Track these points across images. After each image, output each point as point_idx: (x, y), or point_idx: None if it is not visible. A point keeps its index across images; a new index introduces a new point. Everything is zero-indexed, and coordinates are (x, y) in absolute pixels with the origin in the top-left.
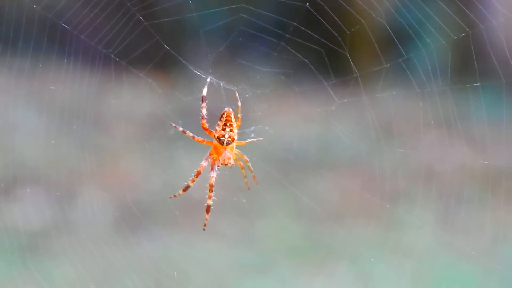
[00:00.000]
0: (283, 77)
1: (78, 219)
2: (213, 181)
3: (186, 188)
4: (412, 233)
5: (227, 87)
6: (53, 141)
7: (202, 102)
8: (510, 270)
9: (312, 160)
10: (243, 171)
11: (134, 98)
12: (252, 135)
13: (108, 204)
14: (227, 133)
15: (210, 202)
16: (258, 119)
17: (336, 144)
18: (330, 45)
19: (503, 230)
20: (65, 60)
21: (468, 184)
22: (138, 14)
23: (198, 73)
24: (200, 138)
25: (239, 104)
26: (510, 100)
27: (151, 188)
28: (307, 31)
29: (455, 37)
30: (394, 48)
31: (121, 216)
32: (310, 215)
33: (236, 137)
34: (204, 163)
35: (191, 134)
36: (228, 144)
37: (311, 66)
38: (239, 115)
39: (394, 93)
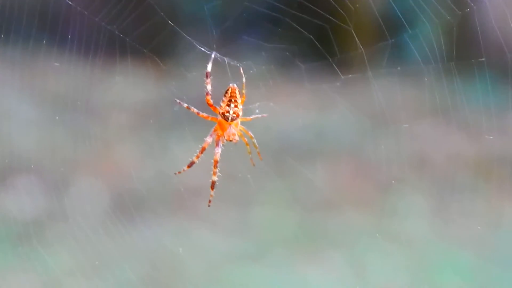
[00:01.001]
0: (287, 53)
1: (72, 208)
2: (218, 157)
3: (191, 164)
4: (407, 220)
5: (232, 63)
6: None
7: (207, 78)
8: (503, 257)
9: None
10: (247, 147)
11: (138, 75)
12: (257, 111)
13: (102, 192)
14: (231, 109)
15: (215, 178)
16: (263, 95)
17: (336, 125)
18: (335, 21)
19: (499, 218)
20: (69, 36)
21: (464, 172)
22: None
23: (203, 49)
24: (204, 114)
25: (244, 80)
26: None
27: (147, 176)
28: (312, 7)
29: (460, 12)
30: (398, 24)
31: (115, 205)
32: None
33: (241, 113)
34: (209, 139)
35: (195, 110)
36: (232, 120)
37: (316, 42)
38: (243, 91)
39: (398, 68)
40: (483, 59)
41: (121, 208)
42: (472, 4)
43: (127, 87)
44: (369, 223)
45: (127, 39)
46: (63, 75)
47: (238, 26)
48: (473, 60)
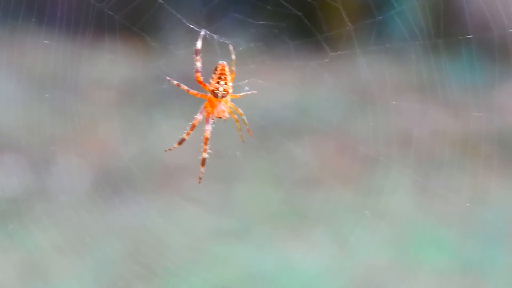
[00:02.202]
0: (276, 30)
1: (56, 186)
2: (208, 134)
3: (181, 141)
4: (392, 197)
5: (221, 40)
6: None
7: (196, 55)
8: (488, 234)
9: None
10: (237, 124)
11: (127, 53)
12: (246, 88)
13: (87, 170)
14: (221, 86)
15: (205, 155)
16: (252, 72)
17: (319, 103)
18: None
19: (481, 194)
20: (58, 14)
21: (446, 149)
22: None
23: (192, 27)
24: (194, 91)
25: (233, 57)
26: (486, 65)
27: (130, 154)
28: None
29: None
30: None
31: (100, 182)
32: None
33: (230, 90)
34: (199, 116)
35: (185, 87)
36: (222, 97)
37: (305, 20)
38: (233, 68)
39: (387, 45)
40: (470, 36)
41: (105, 185)
42: None
43: (114, 65)
44: (354, 199)
45: (116, 16)
46: (49, 53)
47: (226, 3)
48: (460, 37)
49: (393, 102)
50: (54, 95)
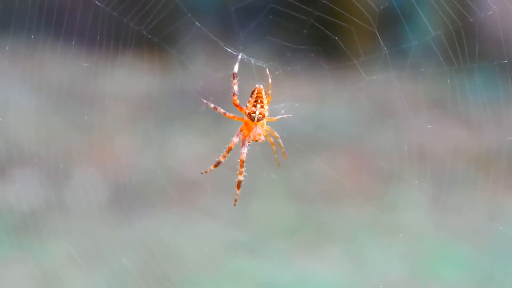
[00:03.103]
0: (312, 55)
1: (71, 199)
2: (244, 156)
3: (217, 164)
4: (406, 213)
5: (258, 64)
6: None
7: (234, 79)
8: (501, 249)
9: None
10: (273, 147)
11: (165, 74)
12: (282, 111)
13: (101, 183)
14: (258, 109)
15: (241, 177)
16: (288, 96)
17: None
18: (359, 22)
19: (497, 210)
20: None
21: (462, 165)
22: None
23: (229, 50)
24: (231, 114)
25: (270, 81)
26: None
27: (146, 168)
28: (336, 8)
29: (483, 15)
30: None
31: (115, 196)
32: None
33: (266, 114)
34: (235, 139)
35: (222, 110)
36: (258, 120)
37: (340, 44)
38: (269, 92)
39: (422, 70)
40: (505, 61)
41: (121, 198)
42: (495, 7)
43: (131, 79)
44: (369, 215)
45: (155, 40)
46: (61, 66)
47: (264, 27)
48: (495, 63)
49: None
50: (71, 108)
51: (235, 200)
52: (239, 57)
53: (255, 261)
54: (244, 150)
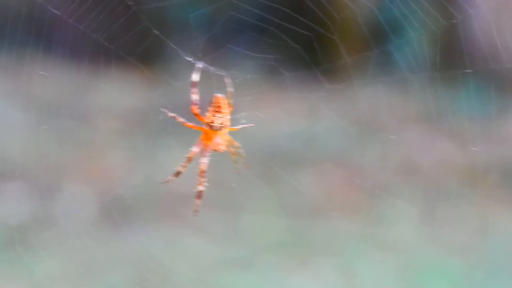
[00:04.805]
0: (273, 63)
1: (58, 214)
2: (204, 167)
3: (177, 174)
4: (395, 227)
5: (218, 72)
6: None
7: (192, 88)
8: (490, 264)
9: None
10: (233, 156)
11: (123, 82)
12: (243, 120)
13: (89, 199)
14: (218, 118)
15: (201, 188)
16: (249, 105)
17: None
18: (320, 30)
19: (486, 224)
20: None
21: (452, 179)
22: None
23: (188, 59)
24: (191, 124)
25: (230, 89)
26: (492, 94)
27: (136, 182)
28: (297, 16)
29: (445, 23)
30: (382, 34)
31: (102, 211)
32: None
33: (227, 123)
34: (195, 149)
35: (182, 120)
36: (219, 129)
37: (301, 52)
38: (231, 101)
39: (383, 78)
40: (470, 70)
41: (108, 214)
42: (457, 15)
43: (114, 95)
44: (357, 229)
45: (112, 46)
46: (49, 81)
47: (223, 35)
48: (458, 72)
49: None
50: (60, 123)
51: (196, 211)
52: (198, 65)
53: (245, 276)
54: (204, 160)
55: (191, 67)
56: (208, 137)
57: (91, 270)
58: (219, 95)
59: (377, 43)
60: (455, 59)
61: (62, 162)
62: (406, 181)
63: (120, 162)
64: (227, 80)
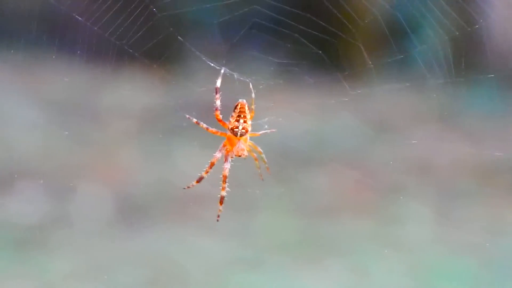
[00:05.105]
0: (296, 69)
1: (74, 213)
2: (226, 172)
3: (200, 179)
4: (408, 227)
5: (241, 78)
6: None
7: (216, 94)
8: (504, 264)
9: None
10: (256, 162)
11: (148, 89)
12: (266, 126)
13: (104, 198)
14: (241, 124)
15: (223, 193)
16: (272, 110)
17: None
18: (344, 36)
19: (498, 225)
20: (78, 52)
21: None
22: (152, 6)
23: (212, 65)
24: (214, 129)
25: (253, 95)
26: (506, 94)
27: (149, 182)
28: (321, 22)
29: (469, 29)
30: (406, 39)
31: (118, 210)
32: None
33: (249, 128)
34: (218, 154)
35: (204, 125)
36: (242, 135)
37: (325, 57)
38: (252, 106)
39: (407, 84)
40: (492, 75)
41: (121, 214)
42: (481, 21)
43: (132, 97)
44: (369, 229)
45: (136, 54)
46: (63, 81)
47: (247, 41)
48: (481, 77)
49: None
50: (74, 123)
51: (218, 216)
52: (222, 71)
53: (257, 276)
54: (227, 166)
55: (211, 72)
56: (231, 143)
57: (104, 269)
58: (243, 101)
59: (399, 47)
60: (472, 62)
61: (76, 161)
62: (419, 181)
63: (133, 161)
64: (250, 87)
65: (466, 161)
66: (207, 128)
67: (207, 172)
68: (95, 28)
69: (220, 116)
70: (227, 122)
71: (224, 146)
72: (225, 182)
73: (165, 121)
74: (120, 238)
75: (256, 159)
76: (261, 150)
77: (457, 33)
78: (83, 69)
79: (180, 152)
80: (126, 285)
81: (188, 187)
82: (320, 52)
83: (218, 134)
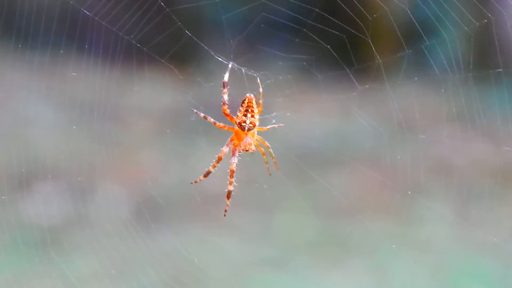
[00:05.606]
0: (305, 63)
1: (92, 214)
2: (234, 167)
3: (207, 174)
4: (429, 227)
5: (249, 73)
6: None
7: (224, 88)
8: None
9: (332, 149)
10: (264, 157)
11: (155, 84)
12: (273, 121)
13: (122, 199)
14: (248, 119)
15: (230, 187)
16: (280, 105)
17: (357, 133)
18: (352, 31)
19: None
20: (86, 47)
21: (485, 179)
22: (159, 0)
23: (220, 59)
24: (221, 124)
25: (261, 90)
26: None
27: (169, 182)
28: (329, 17)
29: (477, 23)
30: (415, 35)
31: (138, 210)
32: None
33: (257, 123)
34: (225, 149)
35: (212, 120)
36: (249, 130)
37: (333, 53)
38: (260, 101)
39: (416, 78)
40: (500, 69)
41: (141, 215)
42: (490, 15)
43: (146, 96)
44: (390, 230)
45: (144, 48)
46: (85, 82)
47: (256, 36)
48: (490, 71)
49: (422, 136)
50: (93, 123)
51: (225, 211)
52: (229, 66)
53: (279, 276)
54: (234, 160)
55: (223, 69)
56: (239, 137)
57: (122, 270)
58: (251, 95)
59: (410, 43)
60: (488, 59)
61: (95, 162)
62: (439, 181)
63: (152, 162)
64: (258, 81)
65: (487, 161)
66: (214, 123)
67: (214, 166)
68: (114, 29)
69: (228, 111)
70: (234, 117)
71: (231, 140)
72: (232, 177)
73: (186, 121)
74: (141, 238)
75: (263, 154)
76: (268, 144)
77: (477, 27)
78: (102, 69)
79: (199, 153)
80: (147, 285)
81: (196, 181)
82: (329, 47)
83: (226, 128)
